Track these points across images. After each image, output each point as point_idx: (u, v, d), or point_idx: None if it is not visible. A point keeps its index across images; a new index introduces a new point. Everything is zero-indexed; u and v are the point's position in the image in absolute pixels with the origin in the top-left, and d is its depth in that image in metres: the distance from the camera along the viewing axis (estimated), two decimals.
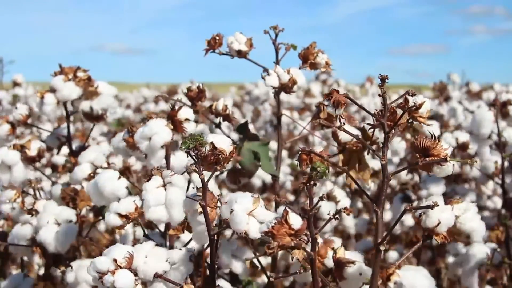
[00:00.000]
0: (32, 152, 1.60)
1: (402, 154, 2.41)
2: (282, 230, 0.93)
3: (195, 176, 1.42)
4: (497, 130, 1.84)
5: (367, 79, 5.10)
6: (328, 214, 1.04)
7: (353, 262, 1.18)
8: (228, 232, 1.40)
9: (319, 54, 1.49)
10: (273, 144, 3.13)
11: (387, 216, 2.43)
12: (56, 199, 1.55)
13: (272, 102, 4.67)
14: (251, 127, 3.86)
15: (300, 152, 1.08)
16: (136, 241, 1.80)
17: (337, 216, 0.97)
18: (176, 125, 1.34)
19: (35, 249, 1.49)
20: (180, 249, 1.09)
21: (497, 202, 2.66)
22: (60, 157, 1.89)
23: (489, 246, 1.66)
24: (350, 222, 2.47)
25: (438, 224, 1.08)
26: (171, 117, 1.34)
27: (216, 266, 1.14)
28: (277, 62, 1.51)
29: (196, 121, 1.40)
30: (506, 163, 1.93)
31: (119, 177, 1.26)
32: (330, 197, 1.99)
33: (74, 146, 1.70)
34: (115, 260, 1.01)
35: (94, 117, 1.65)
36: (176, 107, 1.35)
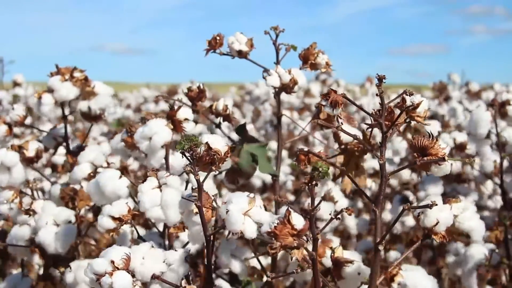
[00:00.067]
0: (30, 152, 1.59)
1: (403, 154, 2.40)
2: (285, 230, 0.93)
3: (193, 177, 1.43)
4: (495, 130, 1.83)
5: (367, 79, 5.09)
6: (330, 214, 1.04)
7: (351, 262, 1.18)
8: (227, 232, 1.40)
9: (320, 54, 1.49)
10: (273, 144, 3.14)
11: (388, 216, 2.42)
12: (55, 199, 1.55)
13: (272, 102, 4.67)
14: (251, 127, 3.87)
15: (298, 152, 1.08)
16: (134, 241, 1.79)
17: (338, 216, 0.97)
18: (176, 125, 1.34)
19: (34, 250, 1.49)
20: (175, 250, 1.09)
21: (498, 201, 2.65)
22: (60, 157, 1.89)
23: (487, 247, 1.66)
24: (351, 222, 2.47)
25: (437, 223, 1.08)
26: (171, 117, 1.34)
27: (213, 266, 1.14)
28: (277, 62, 1.51)
29: (196, 121, 1.40)
30: (506, 163, 1.93)
31: (120, 177, 1.25)
32: (328, 197, 1.99)
33: (72, 146, 1.70)
34: (112, 262, 1.01)
35: (92, 117, 1.65)
36: (175, 107, 1.35)
